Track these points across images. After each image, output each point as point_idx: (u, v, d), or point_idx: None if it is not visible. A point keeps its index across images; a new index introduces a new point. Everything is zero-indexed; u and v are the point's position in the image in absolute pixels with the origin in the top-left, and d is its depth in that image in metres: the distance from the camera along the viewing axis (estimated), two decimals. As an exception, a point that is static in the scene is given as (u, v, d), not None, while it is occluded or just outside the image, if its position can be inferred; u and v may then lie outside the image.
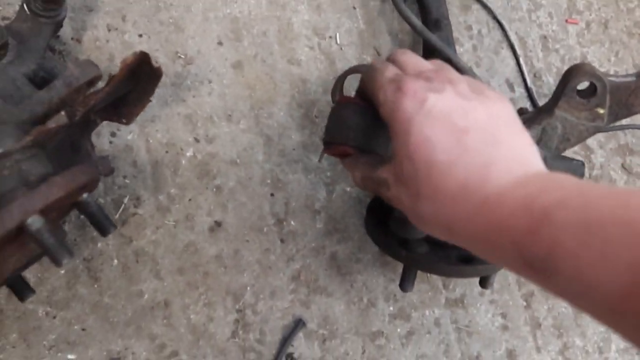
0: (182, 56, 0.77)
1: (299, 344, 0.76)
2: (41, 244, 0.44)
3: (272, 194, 0.77)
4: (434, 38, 0.76)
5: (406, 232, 0.65)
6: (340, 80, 0.74)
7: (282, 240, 0.77)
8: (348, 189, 0.80)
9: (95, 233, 0.71)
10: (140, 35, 0.76)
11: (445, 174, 0.43)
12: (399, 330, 0.79)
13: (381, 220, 0.73)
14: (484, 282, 0.76)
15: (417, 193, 0.45)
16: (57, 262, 0.47)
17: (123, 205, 0.73)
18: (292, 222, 0.78)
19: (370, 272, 0.79)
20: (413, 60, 0.53)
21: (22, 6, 0.64)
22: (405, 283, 0.71)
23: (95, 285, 0.71)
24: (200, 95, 0.77)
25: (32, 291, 0.60)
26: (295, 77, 0.81)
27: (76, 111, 0.55)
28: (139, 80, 0.61)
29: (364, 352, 0.78)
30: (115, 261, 0.72)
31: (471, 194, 0.43)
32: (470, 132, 0.44)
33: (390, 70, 0.50)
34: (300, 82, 0.81)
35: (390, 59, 0.57)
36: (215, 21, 0.79)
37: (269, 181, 0.78)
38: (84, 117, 0.57)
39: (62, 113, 0.54)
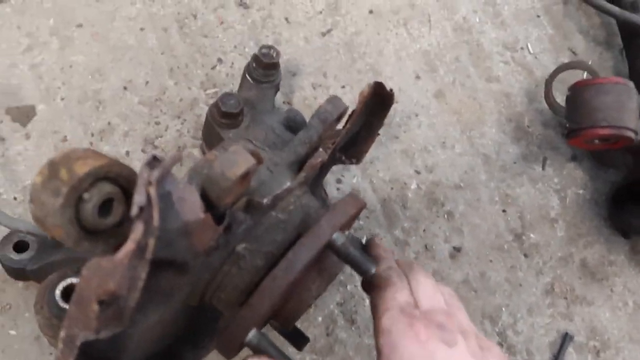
0: (386, 97, 0.79)
1: (571, 360, 0.71)
2: (347, 257, 0.45)
3: (504, 210, 0.76)
4: (636, 17, 0.74)
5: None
6: (552, 78, 0.72)
7: (525, 255, 0.74)
8: (580, 191, 0.76)
9: (342, 277, 0.73)
10: (343, 87, 0.80)
11: None
12: (677, 331, 0.72)
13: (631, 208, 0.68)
14: None
15: None
16: (366, 272, 0.47)
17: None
18: (532, 235, 0.75)
19: (627, 273, 0.74)
20: (429, 289, 0.46)
21: (244, 76, 0.70)
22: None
23: (353, 328, 0.72)
24: (411, 129, 0.78)
25: (307, 339, 0.60)
26: (498, 94, 0.80)
27: (327, 148, 0.58)
28: (371, 112, 0.64)
29: (644, 359, 0.71)
30: (367, 301, 0.72)
31: None
32: None
33: (403, 295, 0.45)
34: (504, 97, 0.80)
35: (405, 270, 0.48)
36: (408, 58, 0.81)
37: (497, 198, 0.76)
38: (332, 154, 0.60)
39: (320, 150, 0.58)
